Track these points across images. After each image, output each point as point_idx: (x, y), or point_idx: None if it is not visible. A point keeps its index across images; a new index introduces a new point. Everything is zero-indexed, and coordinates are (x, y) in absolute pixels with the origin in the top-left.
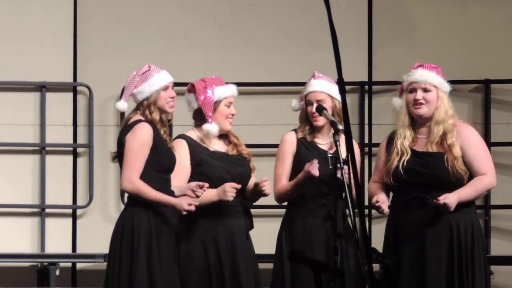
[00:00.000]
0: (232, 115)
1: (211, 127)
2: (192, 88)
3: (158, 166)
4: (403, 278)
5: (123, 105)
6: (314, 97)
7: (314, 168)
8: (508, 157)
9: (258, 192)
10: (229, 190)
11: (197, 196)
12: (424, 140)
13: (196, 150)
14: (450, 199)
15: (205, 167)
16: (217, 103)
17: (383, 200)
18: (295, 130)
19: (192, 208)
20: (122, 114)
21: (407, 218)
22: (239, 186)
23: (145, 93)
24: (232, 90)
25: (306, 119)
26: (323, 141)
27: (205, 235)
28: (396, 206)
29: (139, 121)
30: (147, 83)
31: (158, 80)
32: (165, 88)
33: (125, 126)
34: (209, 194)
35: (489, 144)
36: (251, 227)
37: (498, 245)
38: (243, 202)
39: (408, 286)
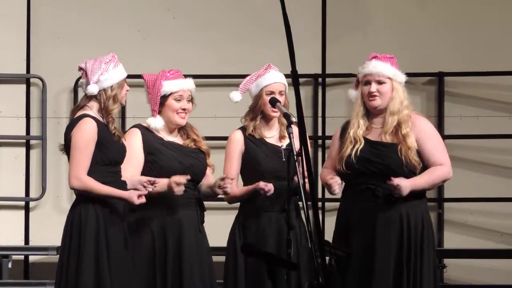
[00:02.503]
0: (184, 109)
1: (155, 121)
2: (144, 81)
3: (105, 160)
4: (352, 268)
5: (95, 88)
6: (278, 88)
7: (268, 191)
8: (461, 150)
9: (216, 189)
10: (175, 186)
11: (148, 192)
12: (378, 130)
13: (150, 139)
14: (404, 182)
15: (157, 155)
16: (165, 97)
17: (336, 180)
18: (242, 128)
19: (143, 200)
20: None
21: (358, 209)
22: (185, 179)
23: (113, 80)
24: (182, 84)
25: (261, 111)
26: (270, 134)
27: (154, 226)
28: (347, 197)
29: (83, 116)
30: (116, 70)
31: (122, 71)
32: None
33: (72, 120)
34: (160, 185)
35: (443, 137)
36: (202, 221)
37: (451, 238)
38: (197, 195)
39: (356, 276)
